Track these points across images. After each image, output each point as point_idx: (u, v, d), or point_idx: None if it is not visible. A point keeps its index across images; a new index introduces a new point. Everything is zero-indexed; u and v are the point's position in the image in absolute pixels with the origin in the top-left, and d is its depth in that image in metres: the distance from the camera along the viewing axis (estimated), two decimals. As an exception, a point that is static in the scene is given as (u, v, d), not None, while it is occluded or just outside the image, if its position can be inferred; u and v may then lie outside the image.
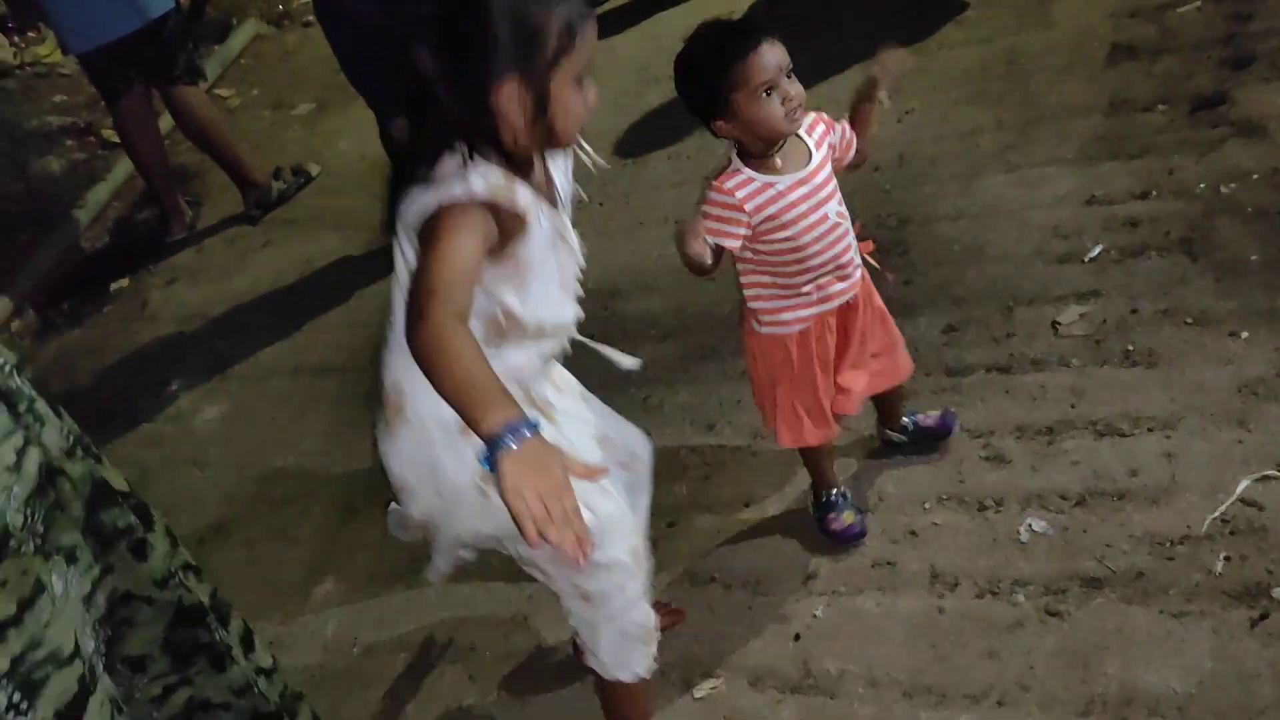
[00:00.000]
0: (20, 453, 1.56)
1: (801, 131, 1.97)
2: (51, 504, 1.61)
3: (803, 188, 1.96)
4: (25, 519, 1.54)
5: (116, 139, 5.02)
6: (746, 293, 2.11)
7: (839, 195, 2.01)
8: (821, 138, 2.00)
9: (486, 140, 1.48)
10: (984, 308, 2.72)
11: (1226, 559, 1.99)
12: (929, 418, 2.44)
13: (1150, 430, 2.28)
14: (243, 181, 4.45)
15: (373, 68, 3.54)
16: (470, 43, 1.41)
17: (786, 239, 1.97)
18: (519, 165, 1.53)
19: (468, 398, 1.28)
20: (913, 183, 3.18)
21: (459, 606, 2.53)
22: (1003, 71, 3.46)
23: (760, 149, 1.94)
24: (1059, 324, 2.59)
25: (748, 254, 2.02)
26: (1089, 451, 2.29)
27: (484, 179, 1.45)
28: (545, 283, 1.61)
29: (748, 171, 1.95)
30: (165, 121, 4.66)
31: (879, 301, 2.19)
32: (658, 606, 1.96)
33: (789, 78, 1.86)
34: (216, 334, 3.93)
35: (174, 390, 3.70)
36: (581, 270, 1.73)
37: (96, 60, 4.17)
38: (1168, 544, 2.06)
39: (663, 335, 3.10)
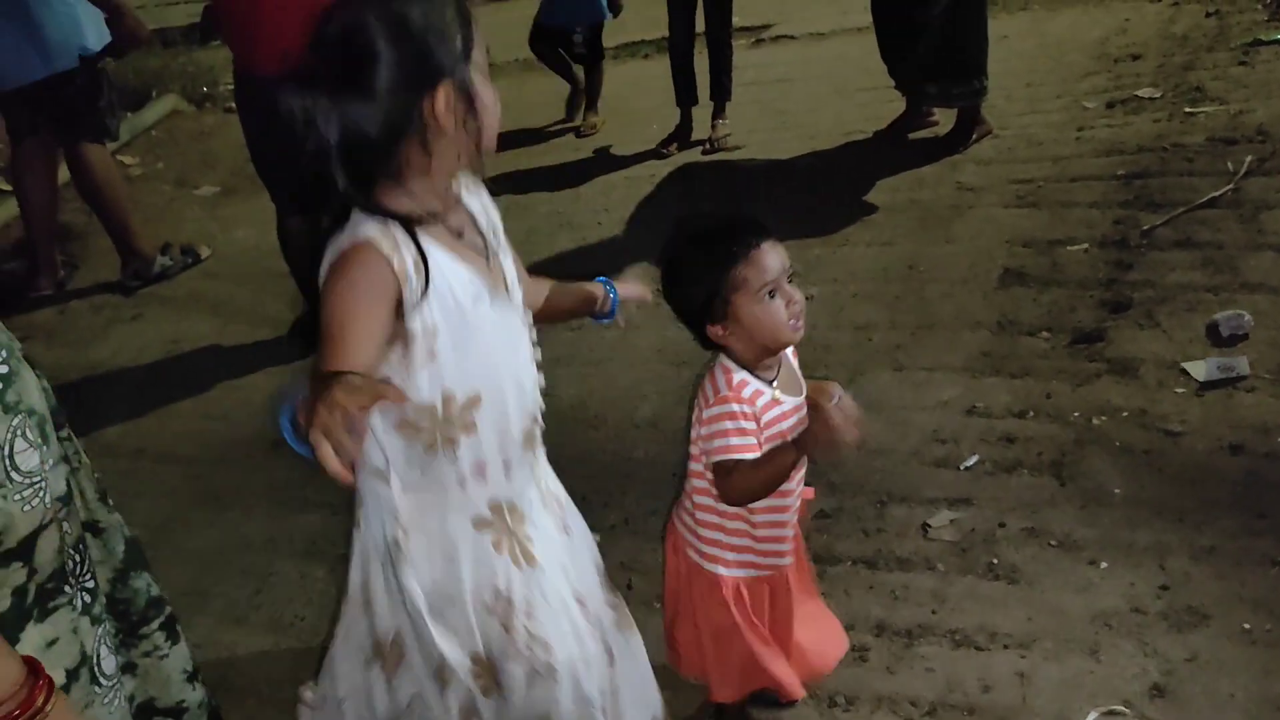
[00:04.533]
0: (69, 481, 1.34)
1: (791, 357, 1.83)
2: (89, 561, 1.37)
3: (796, 415, 1.76)
4: (72, 563, 1.30)
5: (3, 185, 4.83)
6: (698, 515, 1.87)
7: None
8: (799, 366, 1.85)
9: (390, 178, 1.40)
10: (858, 499, 2.72)
11: (1069, 792, 1.95)
12: None
13: (1006, 647, 2.26)
14: (126, 250, 4.28)
15: (281, 160, 3.48)
16: (390, 65, 1.35)
17: None
18: (429, 208, 1.44)
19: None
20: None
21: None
22: (902, 275, 3.58)
23: (755, 359, 1.75)
24: (929, 526, 2.60)
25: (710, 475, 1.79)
26: (945, 660, 2.25)
27: (373, 225, 1.38)
28: (468, 345, 1.46)
29: (755, 380, 1.74)
30: (63, 175, 4.48)
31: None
32: None
33: (790, 281, 1.71)
34: (60, 402, 3.66)
35: None
36: (531, 327, 1.60)
37: (4, 103, 4.03)
38: (1012, 768, 2.01)
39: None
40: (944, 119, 4.42)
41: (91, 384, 3.75)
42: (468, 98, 1.40)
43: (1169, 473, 2.63)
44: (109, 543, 1.48)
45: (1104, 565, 2.41)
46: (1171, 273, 3.33)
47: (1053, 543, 2.50)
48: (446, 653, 1.57)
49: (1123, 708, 2.08)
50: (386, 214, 1.39)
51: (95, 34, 3.97)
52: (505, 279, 1.56)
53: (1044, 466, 2.72)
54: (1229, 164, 3.78)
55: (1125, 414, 2.84)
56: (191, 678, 1.66)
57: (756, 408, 1.72)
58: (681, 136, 4.80)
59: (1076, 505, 2.59)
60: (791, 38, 6.04)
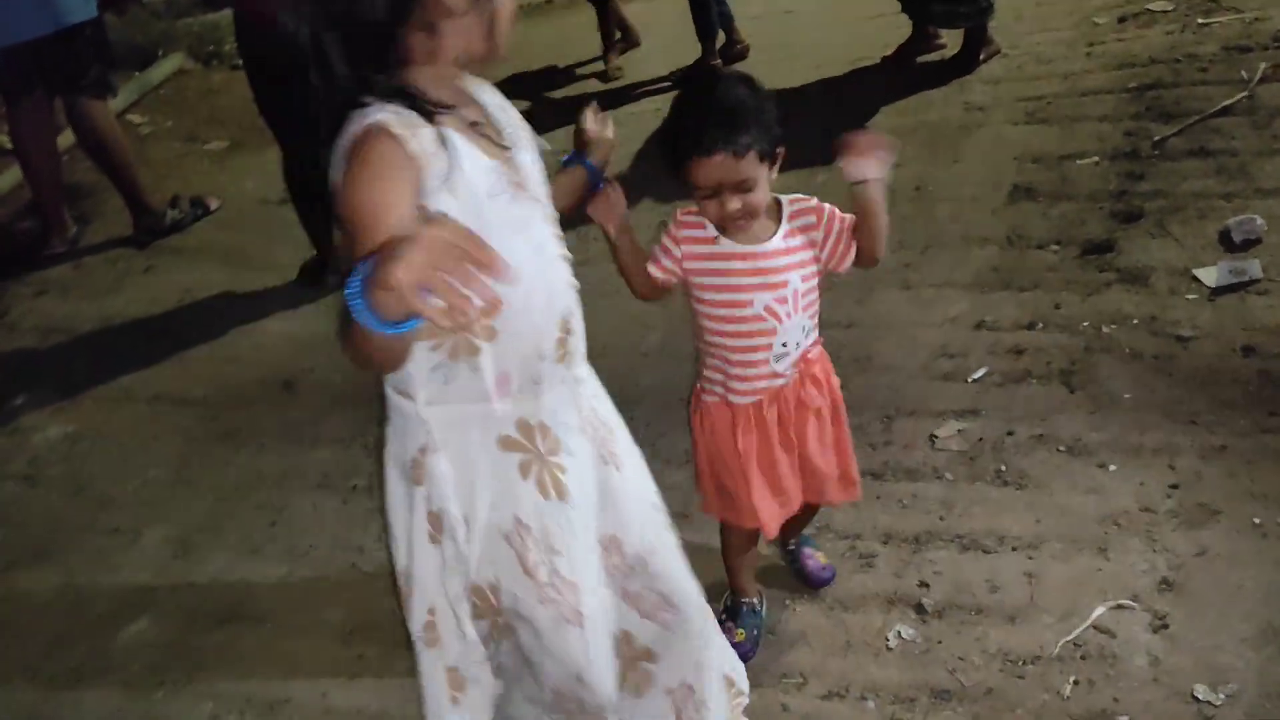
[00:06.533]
0: None
1: (789, 209, 1.84)
2: None
3: (743, 263, 1.82)
4: None
5: (9, 145, 4.85)
6: (700, 356, 1.98)
7: (789, 293, 1.83)
8: (799, 228, 1.84)
9: (394, 69, 1.33)
10: (865, 415, 2.70)
11: (1075, 683, 1.95)
12: (814, 561, 2.28)
13: (1014, 549, 2.26)
14: (136, 205, 4.29)
15: (287, 105, 3.47)
16: None
17: (709, 302, 1.86)
18: (438, 99, 1.35)
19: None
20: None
21: (280, 659, 2.35)
22: (910, 196, 3.54)
23: None
24: (936, 438, 2.59)
25: (696, 306, 1.90)
26: (953, 564, 2.25)
27: (383, 110, 1.29)
28: (487, 241, 1.33)
29: (707, 227, 1.83)
30: (69, 137, 4.50)
31: (828, 421, 1.99)
32: None
33: (740, 190, 1.73)
34: (77, 352, 3.71)
35: (18, 404, 3.46)
36: (556, 224, 1.50)
37: (2, 60, 4.02)
38: (1020, 663, 2.01)
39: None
40: (951, 41, 4.34)
41: (108, 333, 3.79)
42: None
43: (1180, 376, 2.60)
44: None
45: (1113, 468, 2.40)
46: (1184, 181, 3.27)
47: (1061, 448, 2.48)
48: (440, 584, 1.48)
49: (1131, 601, 2.08)
50: (395, 94, 1.31)
51: (94, -14, 3.97)
52: (524, 175, 1.45)
53: (1053, 375, 2.70)
54: (1243, 72, 3.69)
55: (1135, 321, 2.80)
56: None
57: (678, 236, 1.85)
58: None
59: (1086, 411, 2.57)
60: (797, -30, 5.95)
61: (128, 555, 2.75)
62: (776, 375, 1.89)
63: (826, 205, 1.86)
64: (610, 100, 4.78)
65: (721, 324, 1.87)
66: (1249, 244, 2.95)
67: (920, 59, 4.39)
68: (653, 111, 4.54)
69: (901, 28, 4.43)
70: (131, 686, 2.36)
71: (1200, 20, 4.11)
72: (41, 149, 4.19)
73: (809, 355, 1.94)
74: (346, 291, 1.10)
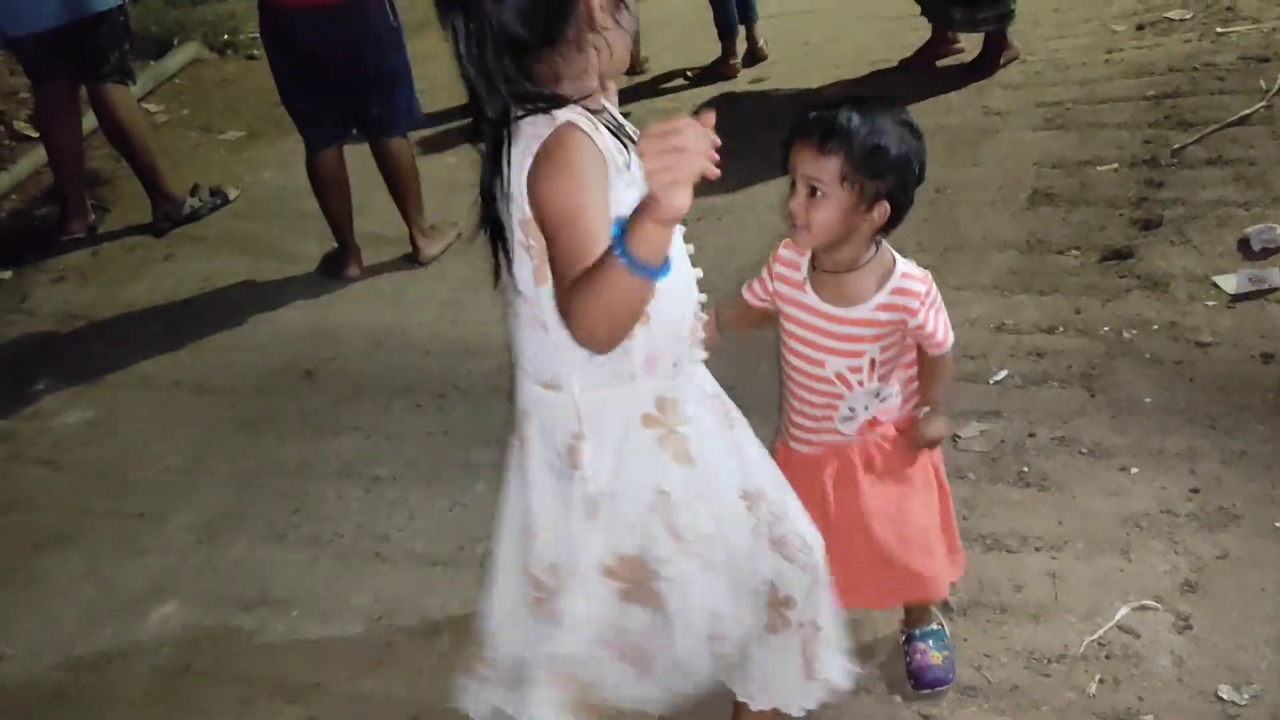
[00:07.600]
0: None
1: (896, 282, 1.74)
2: None
3: (824, 322, 1.77)
4: None
5: (29, 131, 4.87)
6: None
7: (864, 362, 1.77)
8: (895, 305, 1.74)
9: (547, 80, 1.37)
10: (887, 414, 2.73)
11: (1100, 681, 1.97)
12: (921, 657, 2.03)
13: (1037, 550, 2.28)
14: (156, 192, 4.30)
15: (310, 95, 3.49)
16: None
17: (789, 349, 1.83)
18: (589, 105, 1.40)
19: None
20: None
21: (308, 645, 2.37)
22: (929, 198, 3.56)
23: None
24: (959, 438, 2.61)
25: (780, 346, 1.88)
26: (976, 563, 2.27)
27: (566, 111, 1.34)
28: None
29: (802, 265, 1.79)
30: (90, 123, 4.51)
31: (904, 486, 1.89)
32: None
33: (811, 194, 1.65)
34: (97, 338, 3.72)
35: (39, 389, 3.47)
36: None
37: (26, 45, 4.04)
38: (1044, 661, 2.03)
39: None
40: (970, 45, 4.37)
41: (127, 320, 3.80)
42: None
43: (1200, 382, 2.63)
44: None
45: (1135, 471, 2.42)
46: (1202, 190, 3.30)
47: (1083, 451, 2.51)
48: (592, 555, 1.54)
49: (1154, 602, 2.10)
50: (553, 103, 1.36)
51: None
52: None
53: (1074, 379, 2.73)
54: (1261, 81, 3.73)
55: (1156, 327, 2.83)
56: None
57: (774, 270, 1.84)
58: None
59: (1107, 415, 2.59)
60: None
61: (152, 540, 2.76)
62: (839, 434, 1.87)
63: (935, 294, 1.78)
64: (628, 96, 4.80)
65: (795, 373, 1.85)
66: (1268, 252, 2.98)
67: (939, 62, 4.42)
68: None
69: (920, 30, 4.46)
70: (160, 670, 2.37)
71: (1218, 30, 4.15)
72: (66, 134, 4.22)
73: (879, 418, 1.87)
74: (621, 259, 1.17)
